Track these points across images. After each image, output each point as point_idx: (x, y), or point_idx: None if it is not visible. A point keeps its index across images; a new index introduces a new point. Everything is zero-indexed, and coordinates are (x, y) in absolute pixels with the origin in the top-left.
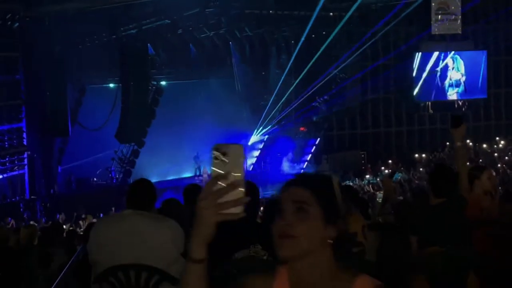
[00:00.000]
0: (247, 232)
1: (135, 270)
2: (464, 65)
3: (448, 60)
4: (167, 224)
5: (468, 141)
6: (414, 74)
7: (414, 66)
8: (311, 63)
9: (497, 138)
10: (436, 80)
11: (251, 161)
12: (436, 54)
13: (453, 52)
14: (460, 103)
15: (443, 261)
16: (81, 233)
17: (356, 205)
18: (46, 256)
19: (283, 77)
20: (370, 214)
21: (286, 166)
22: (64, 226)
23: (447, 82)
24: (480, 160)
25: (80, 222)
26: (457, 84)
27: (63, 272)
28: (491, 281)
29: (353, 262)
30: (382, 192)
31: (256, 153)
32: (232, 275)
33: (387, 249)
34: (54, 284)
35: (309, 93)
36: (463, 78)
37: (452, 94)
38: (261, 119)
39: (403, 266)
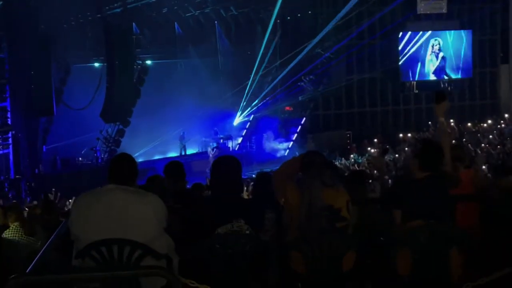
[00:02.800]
0: (230, 207)
1: (118, 244)
2: (450, 44)
3: (434, 40)
4: (150, 198)
5: (451, 120)
6: (399, 53)
7: (399, 45)
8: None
9: (476, 121)
10: (422, 59)
11: (237, 141)
12: (422, 33)
13: (439, 31)
14: (446, 83)
15: (426, 235)
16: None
17: (340, 181)
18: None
19: (268, 57)
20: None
21: (270, 146)
22: None
23: (432, 62)
24: (464, 140)
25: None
26: (442, 63)
27: (44, 247)
28: (476, 258)
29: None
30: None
31: (242, 132)
32: (215, 250)
33: (366, 221)
34: (35, 260)
35: (295, 72)
36: (449, 58)
37: (438, 74)
38: (247, 99)
39: (384, 238)
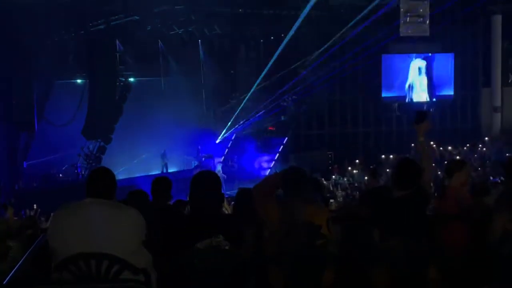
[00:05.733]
0: (209, 222)
1: (96, 258)
2: (432, 67)
3: (415, 62)
4: (128, 212)
5: (432, 143)
6: (382, 75)
7: (382, 67)
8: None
9: (458, 145)
10: (404, 82)
11: (218, 160)
12: (404, 56)
13: (421, 54)
14: (427, 106)
15: (403, 253)
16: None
17: (321, 198)
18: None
19: (251, 77)
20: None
21: (252, 164)
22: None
23: (414, 84)
24: (446, 162)
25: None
26: (424, 86)
27: (21, 261)
28: (453, 276)
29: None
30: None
31: (224, 151)
32: (193, 265)
33: (350, 240)
34: (11, 273)
35: (278, 92)
36: (431, 81)
37: (419, 97)
38: (230, 117)
39: (365, 257)
